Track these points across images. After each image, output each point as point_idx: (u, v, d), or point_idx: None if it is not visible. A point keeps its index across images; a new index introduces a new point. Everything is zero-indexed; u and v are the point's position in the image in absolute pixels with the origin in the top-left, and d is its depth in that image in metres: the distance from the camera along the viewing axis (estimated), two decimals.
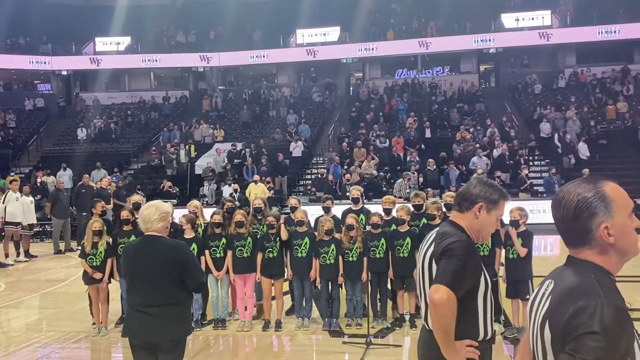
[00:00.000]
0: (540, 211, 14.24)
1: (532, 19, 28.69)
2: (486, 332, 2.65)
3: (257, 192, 15.60)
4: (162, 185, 18.30)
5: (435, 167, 17.81)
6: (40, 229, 16.42)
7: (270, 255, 6.85)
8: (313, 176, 20.35)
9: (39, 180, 18.78)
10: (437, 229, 2.79)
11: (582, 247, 1.79)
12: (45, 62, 30.25)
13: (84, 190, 14.91)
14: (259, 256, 6.89)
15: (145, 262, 3.78)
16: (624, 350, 1.60)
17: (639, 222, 1.80)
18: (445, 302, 2.44)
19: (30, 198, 13.92)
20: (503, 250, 6.58)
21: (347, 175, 17.55)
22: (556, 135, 19.80)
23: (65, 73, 31.03)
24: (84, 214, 14.49)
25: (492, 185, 2.72)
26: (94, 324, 7.13)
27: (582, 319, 1.60)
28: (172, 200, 14.29)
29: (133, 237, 6.50)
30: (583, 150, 18.74)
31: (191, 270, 3.82)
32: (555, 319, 1.70)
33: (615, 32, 27.11)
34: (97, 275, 6.87)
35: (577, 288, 1.70)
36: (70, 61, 30.82)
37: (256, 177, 16.87)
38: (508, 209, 6.45)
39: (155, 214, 3.80)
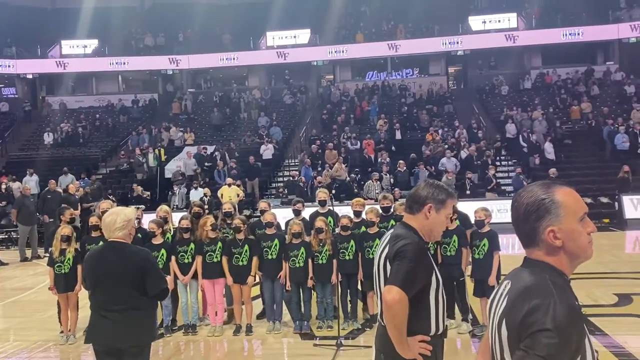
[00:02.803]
0: (507, 210, 14.42)
1: (499, 21, 29.20)
2: (437, 328, 2.79)
3: (230, 194, 15.54)
4: (133, 190, 18.05)
5: (405, 168, 17.98)
6: (6, 236, 16.09)
7: (240, 264, 6.85)
8: (285, 179, 20.34)
9: (3, 186, 18.35)
10: (391, 231, 2.92)
11: (533, 247, 1.87)
12: (9, 66, 29.59)
13: (50, 196, 14.64)
14: (224, 260, 6.88)
15: (107, 267, 3.78)
16: (575, 346, 1.68)
17: (593, 226, 1.86)
18: (397, 301, 2.59)
19: None
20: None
21: (319, 178, 17.59)
22: (520, 137, 20.18)
23: (30, 77, 30.40)
24: (50, 220, 14.26)
25: (438, 186, 2.88)
26: (61, 332, 7.03)
27: (536, 316, 1.68)
28: (141, 206, 14.12)
29: (101, 243, 6.43)
30: (549, 150, 19.11)
31: (152, 277, 3.81)
32: (511, 317, 1.77)
33: (578, 34, 27.78)
34: (53, 292, 6.89)
35: (531, 287, 1.77)
36: (35, 64, 30.24)
37: (229, 180, 16.79)
38: (472, 209, 6.64)
39: (117, 222, 3.81)
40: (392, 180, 17.58)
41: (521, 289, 1.80)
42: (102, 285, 3.80)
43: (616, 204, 16.22)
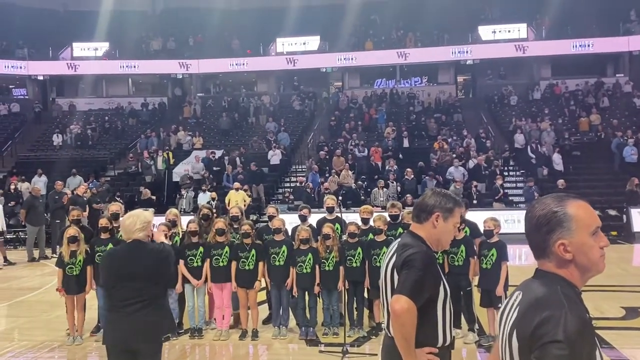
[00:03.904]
0: (515, 221, 14.45)
1: (509, 31, 29.23)
2: (445, 339, 2.74)
3: (237, 199, 15.60)
4: (141, 193, 18.09)
5: (413, 176, 17.94)
6: (14, 236, 16.16)
7: (247, 268, 6.86)
8: (292, 184, 20.37)
9: (12, 186, 18.47)
10: (399, 240, 2.89)
11: (544, 259, 1.89)
12: (21, 67, 29.83)
13: (57, 197, 14.74)
14: (233, 265, 6.90)
15: (129, 264, 3.84)
16: (585, 358, 1.68)
17: (606, 241, 1.87)
18: (405, 311, 2.55)
19: None
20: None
21: (326, 184, 17.61)
22: (529, 147, 20.12)
23: (41, 78, 30.63)
24: (57, 221, 14.36)
25: (445, 194, 2.86)
26: (68, 333, 7.05)
27: (547, 328, 1.69)
28: (150, 209, 14.16)
29: (110, 245, 6.48)
30: (557, 161, 19.06)
31: (167, 275, 4.07)
32: (523, 328, 1.78)
33: (589, 45, 27.74)
34: (62, 294, 6.93)
35: (543, 299, 1.78)
36: (46, 66, 30.46)
37: (236, 184, 16.86)
38: (480, 219, 6.63)
39: (136, 224, 3.88)
40: (399, 188, 17.56)
41: (532, 300, 1.81)
42: (123, 282, 3.84)
43: (624, 216, 16.14)
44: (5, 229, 13.84)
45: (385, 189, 16.93)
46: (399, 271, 2.68)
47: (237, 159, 20.60)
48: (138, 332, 3.76)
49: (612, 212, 16.46)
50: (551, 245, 1.84)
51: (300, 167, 22.33)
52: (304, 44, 30.30)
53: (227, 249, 6.95)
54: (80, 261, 6.85)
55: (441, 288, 2.71)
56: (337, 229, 7.23)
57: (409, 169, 18.15)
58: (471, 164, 18.72)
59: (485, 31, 29.45)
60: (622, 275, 10.34)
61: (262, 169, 19.88)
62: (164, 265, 3.94)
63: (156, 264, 3.86)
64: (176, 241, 7.26)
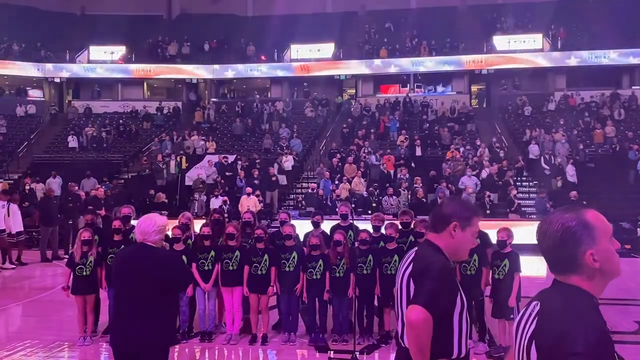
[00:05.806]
0: (527, 232, 14.31)
1: (524, 41, 29.11)
2: (460, 351, 2.68)
3: (249, 204, 15.66)
4: (155, 196, 18.17)
5: (422, 185, 17.80)
6: (28, 237, 16.29)
7: (259, 273, 6.86)
8: (304, 190, 20.38)
9: (27, 187, 18.64)
10: (416, 249, 2.84)
11: (570, 274, 1.86)
12: (38, 69, 30.17)
13: (71, 198, 14.86)
14: (246, 269, 6.91)
15: (137, 269, 3.86)
16: None
17: (618, 244, 1.89)
18: (421, 322, 2.49)
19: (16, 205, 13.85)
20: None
21: (337, 191, 17.60)
22: (542, 158, 19.97)
23: (58, 80, 30.97)
24: (70, 222, 14.48)
25: (463, 203, 2.82)
26: (88, 331, 7.09)
27: (568, 340, 1.68)
28: (163, 212, 14.25)
29: (123, 246, 6.51)
30: (571, 172, 18.90)
31: (180, 280, 4.05)
32: (542, 340, 1.77)
33: (604, 57, 27.57)
34: (66, 293, 6.99)
35: (563, 310, 1.77)
36: (63, 69, 30.78)
37: (248, 189, 16.91)
38: (495, 230, 6.58)
39: (153, 227, 3.91)
40: (409, 196, 17.49)
41: (552, 311, 1.81)
42: (127, 284, 3.87)
43: (638, 230, 15.97)
44: (22, 229, 13.97)
45: (394, 197, 16.89)
46: (415, 281, 2.63)
47: (247, 164, 20.67)
48: (135, 335, 3.76)
49: (626, 225, 16.28)
50: (580, 257, 1.82)
51: (312, 173, 22.34)
52: (319, 50, 30.40)
53: (237, 253, 6.96)
54: (90, 262, 6.90)
55: (458, 299, 2.66)
56: (350, 236, 7.22)
57: (417, 177, 18.00)
58: (484, 173, 18.61)
59: (500, 41, 29.36)
60: (636, 290, 10.23)
61: (277, 175, 19.90)
62: (170, 273, 3.91)
63: (161, 271, 3.85)
64: (189, 244, 7.29)
